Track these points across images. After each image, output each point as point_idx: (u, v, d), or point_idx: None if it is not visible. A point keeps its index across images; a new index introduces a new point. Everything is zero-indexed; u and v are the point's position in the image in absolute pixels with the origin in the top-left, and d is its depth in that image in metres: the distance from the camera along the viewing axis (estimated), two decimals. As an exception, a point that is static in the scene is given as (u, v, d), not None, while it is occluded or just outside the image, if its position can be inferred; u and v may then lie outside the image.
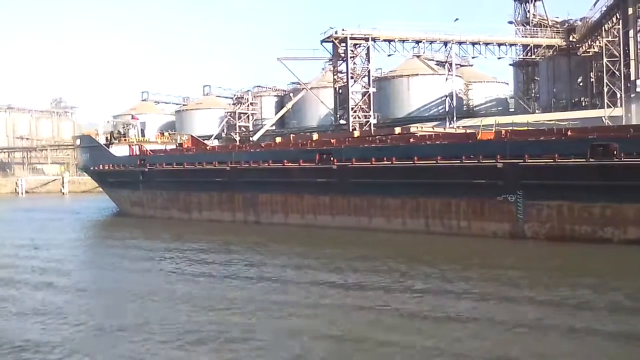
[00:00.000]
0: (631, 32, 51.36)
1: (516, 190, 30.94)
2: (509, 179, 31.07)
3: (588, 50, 69.73)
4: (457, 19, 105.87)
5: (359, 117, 67.55)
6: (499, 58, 74.44)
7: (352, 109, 67.24)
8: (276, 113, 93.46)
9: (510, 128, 35.24)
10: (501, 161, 31.32)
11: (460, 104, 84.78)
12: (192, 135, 65.49)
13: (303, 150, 41.55)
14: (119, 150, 56.68)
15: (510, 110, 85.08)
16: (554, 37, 73.51)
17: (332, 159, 38.89)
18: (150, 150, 55.42)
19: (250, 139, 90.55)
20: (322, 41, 67.97)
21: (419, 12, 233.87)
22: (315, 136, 46.99)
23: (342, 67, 68.18)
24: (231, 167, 44.92)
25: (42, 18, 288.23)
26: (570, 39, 72.27)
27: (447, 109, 73.82)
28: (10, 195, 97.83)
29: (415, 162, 34.48)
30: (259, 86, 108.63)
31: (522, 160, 30.65)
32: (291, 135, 56.37)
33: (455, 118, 71.70)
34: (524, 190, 30.74)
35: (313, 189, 39.79)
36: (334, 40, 66.72)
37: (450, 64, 72.50)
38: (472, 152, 32.66)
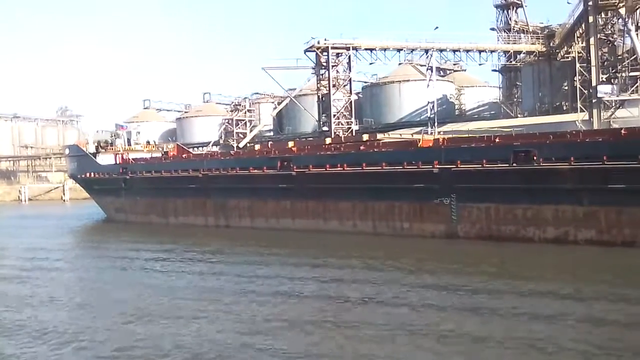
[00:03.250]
0: (592, 40, 53.08)
1: (450, 193, 33.05)
2: (444, 183, 33.19)
3: (566, 55, 71.26)
4: (436, 27, 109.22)
5: (342, 124, 69.63)
6: (480, 64, 76.21)
7: (335, 115, 69.28)
8: (274, 119, 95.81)
9: (450, 135, 37.21)
10: (437, 167, 33.48)
11: (452, 109, 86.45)
12: (177, 144, 67.97)
13: (267, 157, 43.93)
14: (106, 158, 59.25)
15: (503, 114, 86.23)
16: (535, 43, 75.06)
17: (292, 165, 41.14)
18: (133, 158, 57.89)
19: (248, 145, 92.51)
20: (305, 51, 70.08)
21: (405, 20, 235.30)
22: (290, 144, 49.20)
23: (326, 76, 70.21)
24: (203, 174, 47.34)
25: (47, 28, 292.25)
26: (551, 44, 73.82)
27: (429, 115, 75.49)
28: (14, 203, 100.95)
29: (363, 168, 36.69)
30: (257, 93, 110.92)
31: (455, 166, 32.77)
32: (269, 143, 58.65)
33: (437, 123, 73.28)
34: (457, 193, 32.85)
35: (275, 194, 42.13)
36: (316, 50, 68.85)
37: (432, 71, 74.27)
38: (412, 158, 34.87)
